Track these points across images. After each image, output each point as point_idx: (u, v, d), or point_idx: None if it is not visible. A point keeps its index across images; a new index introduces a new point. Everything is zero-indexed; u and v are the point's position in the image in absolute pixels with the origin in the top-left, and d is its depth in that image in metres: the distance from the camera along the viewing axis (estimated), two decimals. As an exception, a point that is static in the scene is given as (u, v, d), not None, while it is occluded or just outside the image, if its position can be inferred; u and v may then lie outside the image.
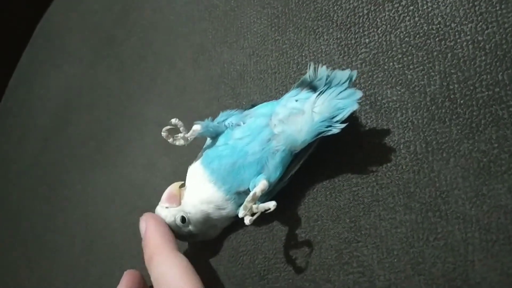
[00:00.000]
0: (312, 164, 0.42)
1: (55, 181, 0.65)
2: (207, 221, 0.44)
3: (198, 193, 0.43)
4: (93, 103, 0.65)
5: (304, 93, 0.40)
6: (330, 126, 0.38)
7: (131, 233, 0.54)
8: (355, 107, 0.38)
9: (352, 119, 0.42)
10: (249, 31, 0.51)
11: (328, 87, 0.39)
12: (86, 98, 0.66)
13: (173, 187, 0.44)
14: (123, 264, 0.54)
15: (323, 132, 0.39)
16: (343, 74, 0.39)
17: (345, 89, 0.39)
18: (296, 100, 0.40)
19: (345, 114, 0.38)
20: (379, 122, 0.41)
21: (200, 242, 0.48)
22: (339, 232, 0.40)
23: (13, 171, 0.73)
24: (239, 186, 0.41)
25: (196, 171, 0.44)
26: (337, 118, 0.38)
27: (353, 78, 0.39)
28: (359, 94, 0.38)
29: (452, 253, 0.35)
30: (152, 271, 0.41)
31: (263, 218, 0.45)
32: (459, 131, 0.37)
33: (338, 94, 0.38)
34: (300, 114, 0.39)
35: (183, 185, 0.44)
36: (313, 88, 0.40)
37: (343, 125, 0.38)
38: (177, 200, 0.43)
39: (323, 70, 0.40)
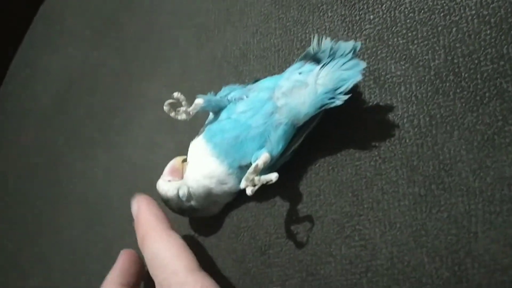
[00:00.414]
0: (315, 139, 0.42)
1: (54, 162, 0.65)
2: (208, 196, 0.44)
3: (201, 167, 0.43)
4: (95, 84, 0.65)
5: (308, 66, 0.40)
6: (334, 98, 0.38)
7: (131, 213, 0.54)
8: (359, 77, 0.38)
9: (355, 94, 0.42)
10: (252, 10, 0.51)
11: (331, 59, 0.39)
12: (88, 80, 0.66)
13: (176, 161, 0.44)
14: (123, 243, 0.53)
15: (327, 104, 0.38)
16: (346, 45, 0.39)
17: (349, 60, 0.38)
18: (300, 73, 0.40)
19: (348, 85, 0.38)
20: (382, 97, 0.41)
21: (200, 219, 0.48)
22: (341, 206, 0.40)
23: (13, 152, 0.72)
24: (241, 160, 0.41)
25: (198, 146, 0.44)
26: (341, 90, 0.38)
27: (357, 49, 0.39)
28: (362, 64, 0.38)
29: (455, 225, 0.35)
30: (146, 251, 0.40)
31: (265, 194, 0.45)
32: (463, 104, 0.37)
33: (342, 65, 0.38)
34: (303, 87, 0.39)
35: (185, 160, 0.44)
36: (317, 60, 0.40)
37: (346, 97, 0.38)
38: (180, 173, 0.43)
39: (327, 42, 0.39)
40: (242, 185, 0.38)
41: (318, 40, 0.40)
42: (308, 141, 0.42)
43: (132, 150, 0.57)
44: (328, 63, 0.39)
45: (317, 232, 0.41)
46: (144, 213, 0.43)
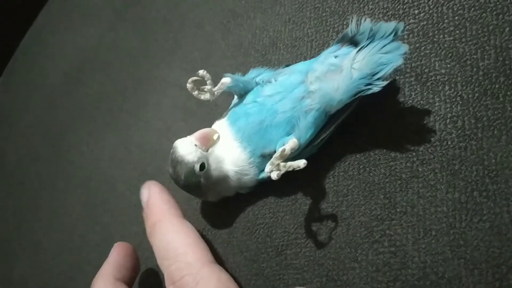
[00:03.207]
0: (347, 132, 0.40)
1: (59, 142, 0.62)
2: (222, 182, 0.40)
3: (223, 151, 0.40)
4: (109, 65, 0.62)
5: (345, 49, 0.38)
6: (370, 84, 0.35)
7: (137, 199, 0.50)
8: (400, 62, 0.35)
9: (395, 90, 0.39)
10: (287, -2, 0.49)
11: (370, 42, 0.36)
12: (102, 60, 0.63)
13: (212, 131, 0.40)
14: (124, 232, 0.50)
15: (362, 91, 0.35)
16: (388, 26, 0.36)
17: (389, 42, 0.35)
18: (335, 56, 0.37)
19: (388, 70, 0.35)
20: (424, 95, 0.38)
21: (212, 210, 0.45)
22: (371, 208, 0.37)
23: (16, 128, 0.69)
24: (265, 147, 0.38)
25: (221, 129, 0.41)
26: (379, 75, 0.35)
27: (399, 31, 0.36)
28: (404, 48, 0.35)
29: (498, 237, 0.32)
30: (156, 238, 0.38)
31: (286, 189, 0.42)
32: (514, 108, 0.35)
33: (381, 48, 0.35)
34: (338, 71, 0.36)
35: (218, 137, 0.40)
36: (355, 43, 0.37)
37: (385, 83, 0.35)
38: (208, 145, 0.39)
39: (366, 23, 0.36)
40: (267, 169, 0.35)
41: (357, 21, 0.37)
42: (339, 133, 0.39)
43: (143, 135, 0.54)
44: (367, 45, 0.36)
45: (341, 235, 0.38)
46: (155, 199, 0.40)
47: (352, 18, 0.37)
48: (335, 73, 0.36)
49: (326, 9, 0.46)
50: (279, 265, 0.40)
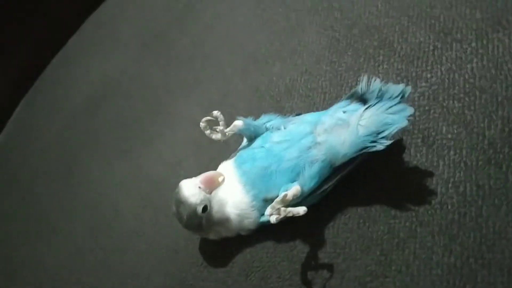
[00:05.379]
0: (349, 186, 0.40)
1: (73, 162, 0.64)
2: (223, 223, 0.41)
3: (227, 193, 0.41)
4: (130, 94, 0.64)
5: (354, 105, 0.39)
6: (375, 142, 0.36)
7: (139, 228, 0.51)
8: (404, 123, 0.36)
9: (400, 149, 0.40)
10: (306, 50, 0.51)
11: (378, 101, 0.37)
12: (124, 88, 0.65)
13: (217, 174, 0.41)
14: (123, 258, 0.51)
15: (367, 147, 0.36)
16: (396, 88, 0.37)
17: (396, 104, 0.37)
18: (344, 112, 0.39)
19: (392, 130, 0.36)
20: (428, 158, 0.39)
21: (211, 249, 0.45)
22: (367, 263, 0.37)
23: (34, 145, 0.71)
24: (267, 192, 0.39)
25: (226, 170, 0.42)
26: (384, 134, 0.36)
27: (406, 94, 0.37)
28: (410, 110, 0.36)
29: (491, 307, 0.32)
30: None
31: (285, 235, 0.43)
32: (516, 180, 0.35)
33: (388, 108, 0.37)
34: (345, 126, 0.38)
35: (223, 180, 0.42)
36: (363, 101, 0.39)
37: (389, 142, 0.36)
38: (213, 188, 0.40)
39: (376, 83, 0.38)
40: (267, 212, 0.36)
41: (367, 80, 0.38)
42: (342, 187, 0.40)
43: (153, 166, 0.55)
44: (375, 105, 0.37)
45: (335, 287, 0.38)
46: None
47: (363, 77, 0.38)
48: (342, 127, 0.37)
49: (342, 64, 0.47)
50: (271, 311, 0.40)
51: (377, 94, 0.37)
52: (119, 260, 0.51)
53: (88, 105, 0.68)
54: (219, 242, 0.44)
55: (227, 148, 0.50)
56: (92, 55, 0.74)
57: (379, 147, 0.36)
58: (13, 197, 0.68)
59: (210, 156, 0.51)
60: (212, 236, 0.43)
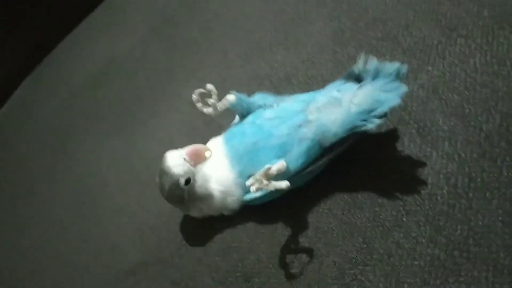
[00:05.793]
0: (337, 171, 0.39)
1: (68, 137, 0.63)
2: (204, 200, 0.40)
3: (212, 168, 0.40)
4: (133, 75, 0.64)
5: (348, 85, 0.38)
6: (366, 120, 0.35)
7: (123, 203, 0.50)
8: (397, 101, 0.35)
9: (393, 138, 0.39)
10: (310, 39, 0.50)
11: (374, 80, 0.36)
12: (127, 69, 0.65)
13: (203, 148, 0.40)
14: (103, 231, 0.50)
15: (358, 126, 0.35)
16: (391, 67, 0.36)
17: (390, 82, 0.36)
18: (338, 91, 0.38)
19: (384, 108, 0.35)
20: (422, 148, 0.37)
21: (192, 227, 0.44)
22: (348, 250, 0.36)
23: (34, 119, 0.71)
24: (253, 169, 0.37)
25: (215, 146, 0.41)
26: (375, 113, 0.35)
27: (402, 72, 0.36)
28: (404, 88, 0.35)
29: (473, 301, 0.30)
30: None
31: (267, 218, 0.41)
32: (510, 174, 0.33)
33: (382, 86, 0.35)
34: (338, 104, 0.36)
35: (210, 155, 0.40)
36: (359, 80, 0.37)
37: (379, 121, 0.35)
38: (198, 161, 0.39)
39: (373, 62, 0.37)
40: (248, 182, 0.34)
41: (364, 59, 0.37)
42: (330, 172, 0.39)
43: (146, 143, 0.54)
44: (369, 83, 0.36)
45: (313, 272, 0.36)
46: None
47: (360, 55, 0.37)
48: (335, 106, 0.36)
49: (345, 55, 0.47)
50: (244, 292, 0.38)
51: (373, 73, 0.36)
52: (99, 233, 0.50)
53: (90, 82, 0.68)
54: (201, 221, 0.43)
55: (220, 130, 0.49)
56: (101, 37, 0.75)
57: (370, 126, 0.35)
58: (5, 166, 0.68)
59: (203, 137, 0.49)
60: (194, 213, 0.42)
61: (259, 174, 0.34)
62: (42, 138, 0.67)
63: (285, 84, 0.48)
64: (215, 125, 0.49)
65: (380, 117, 0.34)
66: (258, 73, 0.51)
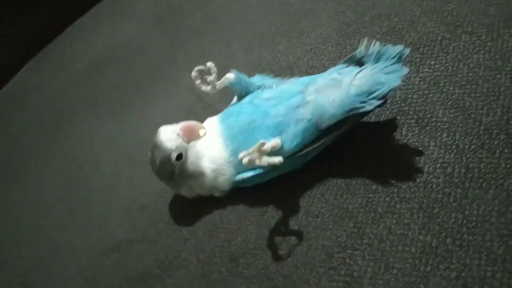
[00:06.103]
0: (332, 156, 0.38)
1: (64, 119, 0.63)
2: (195, 178, 0.40)
3: (206, 146, 0.39)
4: (135, 61, 0.64)
5: (350, 68, 0.37)
6: (365, 102, 0.34)
7: (114, 183, 0.50)
8: (397, 83, 0.34)
9: (392, 128, 0.38)
10: (314, 31, 0.50)
11: (375, 63, 0.36)
12: (130, 55, 0.66)
13: (198, 125, 0.40)
14: (91, 210, 0.49)
15: (356, 108, 0.35)
16: (393, 49, 0.36)
17: (392, 64, 0.35)
18: (339, 73, 0.37)
19: (384, 90, 0.34)
20: (420, 138, 0.37)
21: (180, 206, 0.43)
22: (338, 234, 0.35)
23: (34, 102, 0.72)
24: (247, 148, 0.37)
25: (211, 124, 0.40)
26: (374, 94, 0.34)
27: (404, 55, 0.36)
28: (405, 70, 0.35)
29: (463, 288, 0.29)
30: None
31: (258, 199, 0.41)
32: (508, 166, 0.33)
33: (383, 68, 0.35)
34: (337, 86, 0.36)
35: (204, 133, 0.40)
36: (361, 64, 0.37)
37: (378, 102, 0.34)
38: (192, 138, 0.39)
39: (376, 45, 0.36)
40: (241, 155, 0.34)
41: (367, 43, 0.37)
42: (325, 156, 0.38)
43: (141, 126, 0.54)
44: (370, 66, 0.36)
45: (300, 254, 0.35)
46: None
47: (363, 39, 0.37)
48: (334, 87, 0.36)
49: (348, 46, 0.46)
50: (229, 272, 0.37)
51: (375, 57, 0.36)
52: (87, 212, 0.49)
53: (92, 67, 0.69)
54: (190, 202, 0.42)
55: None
56: (106, 25, 0.76)
57: (368, 107, 0.34)
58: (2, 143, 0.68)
59: (201, 121, 0.49)
60: (184, 191, 0.41)
61: (252, 149, 0.34)
62: (38, 120, 0.67)
63: (286, 73, 0.48)
64: (213, 110, 0.48)
65: (379, 99, 0.34)
66: (260, 62, 0.51)
